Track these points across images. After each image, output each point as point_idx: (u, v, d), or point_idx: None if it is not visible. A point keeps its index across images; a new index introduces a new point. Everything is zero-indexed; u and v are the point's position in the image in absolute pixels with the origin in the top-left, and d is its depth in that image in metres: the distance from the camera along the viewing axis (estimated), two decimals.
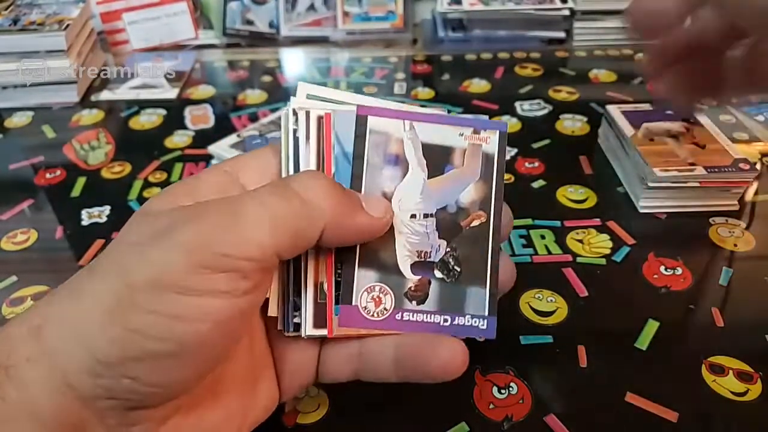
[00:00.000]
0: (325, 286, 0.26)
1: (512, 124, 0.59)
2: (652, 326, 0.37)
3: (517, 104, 0.63)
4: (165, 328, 0.20)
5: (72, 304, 0.21)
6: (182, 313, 0.20)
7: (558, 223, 0.46)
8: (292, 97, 0.27)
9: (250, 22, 0.79)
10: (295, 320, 0.26)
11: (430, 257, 0.27)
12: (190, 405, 0.24)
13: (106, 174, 0.54)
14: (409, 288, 0.27)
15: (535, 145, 0.56)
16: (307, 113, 0.26)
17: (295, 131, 0.26)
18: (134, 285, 0.20)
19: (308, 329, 0.26)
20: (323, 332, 0.26)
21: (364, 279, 0.26)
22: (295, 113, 0.26)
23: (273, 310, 0.26)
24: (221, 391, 0.25)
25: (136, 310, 0.20)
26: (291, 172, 0.26)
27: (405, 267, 0.27)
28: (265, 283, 0.23)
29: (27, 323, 0.21)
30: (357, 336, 0.27)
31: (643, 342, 0.36)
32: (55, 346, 0.20)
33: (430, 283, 0.27)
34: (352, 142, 0.27)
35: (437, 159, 0.27)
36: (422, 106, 0.29)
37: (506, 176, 0.30)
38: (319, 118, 0.26)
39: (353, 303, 0.26)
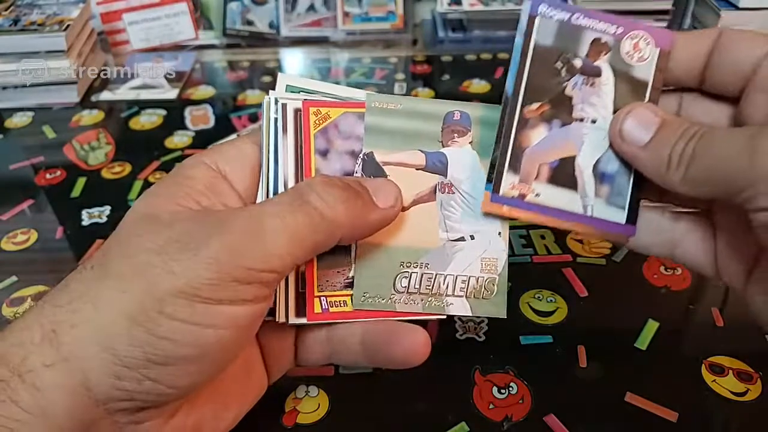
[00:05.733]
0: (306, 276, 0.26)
1: None
2: (652, 326, 0.37)
3: None
4: (194, 335, 0.21)
5: (90, 310, 0.21)
6: (211, 321, 0.21)
7: None
8: (270, 91, 0.27)
9: (250, 23, 0.79)
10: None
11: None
12: (195, 399, 0.24)
13: (106, 174, 0.54)
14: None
15: None
16: (284, 105, 0.27)
17: (276, 120, 0.26)
18: (161, 295, 0.21)
19: (291, 317, 0.26)
20: (303, 320, 0.26)
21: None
22: (276, 101, 0.27)
23: (282, 316, 0.26)
24: (221, 383, 0.26)
25: (165, 319, 0.21)
26: (271, 163, 0.26)
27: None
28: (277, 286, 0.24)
29: (38, 329, 0.21)
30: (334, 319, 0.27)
31: (643, 342, 0.36)
32: (74, 351, 0.21)
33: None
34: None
35: None
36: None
37: None
38: (296, 111, 0.27)
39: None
